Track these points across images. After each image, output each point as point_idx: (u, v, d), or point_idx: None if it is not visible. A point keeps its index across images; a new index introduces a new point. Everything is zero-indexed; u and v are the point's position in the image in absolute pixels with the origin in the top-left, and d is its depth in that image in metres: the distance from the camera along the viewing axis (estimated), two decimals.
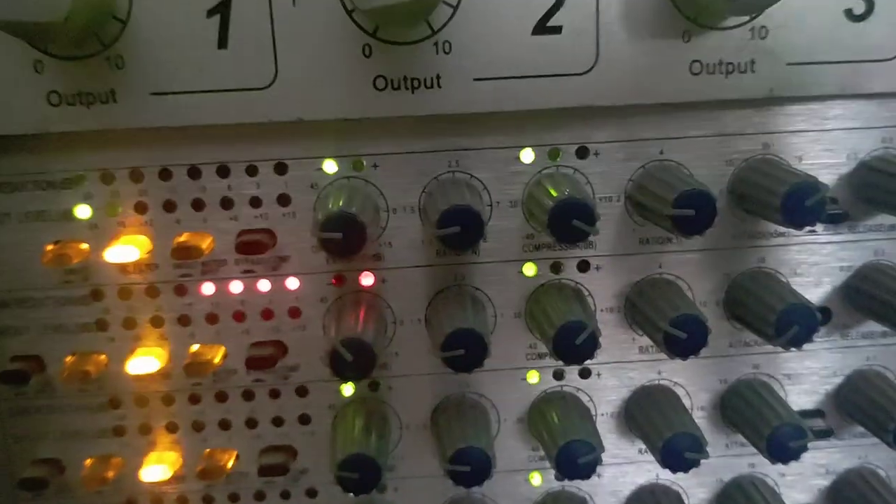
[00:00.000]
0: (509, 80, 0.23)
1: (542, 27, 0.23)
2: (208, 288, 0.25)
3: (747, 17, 0.23)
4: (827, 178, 0.25)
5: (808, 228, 0.25)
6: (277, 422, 0.26)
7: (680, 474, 0.27)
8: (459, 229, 0.22)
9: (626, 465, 0.27)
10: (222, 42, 0.22)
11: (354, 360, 0.23)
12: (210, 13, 0.22)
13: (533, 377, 0.26)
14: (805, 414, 0.27)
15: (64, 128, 0.23)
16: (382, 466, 0.24)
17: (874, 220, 0.26)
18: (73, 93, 0.22)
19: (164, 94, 0.22)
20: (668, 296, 0.24)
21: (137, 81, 0.22)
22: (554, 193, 0.23)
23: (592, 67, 0.23)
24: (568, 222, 0.22)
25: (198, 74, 0.22)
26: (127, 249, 0.24)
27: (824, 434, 0.27)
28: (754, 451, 0.25)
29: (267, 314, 0.25)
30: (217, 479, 0.26)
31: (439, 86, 0.23)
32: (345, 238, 0.22)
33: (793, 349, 0.24)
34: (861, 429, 0.27)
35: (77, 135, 0.23)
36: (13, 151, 0.24)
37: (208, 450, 0.26)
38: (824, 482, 0.28)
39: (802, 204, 0.22)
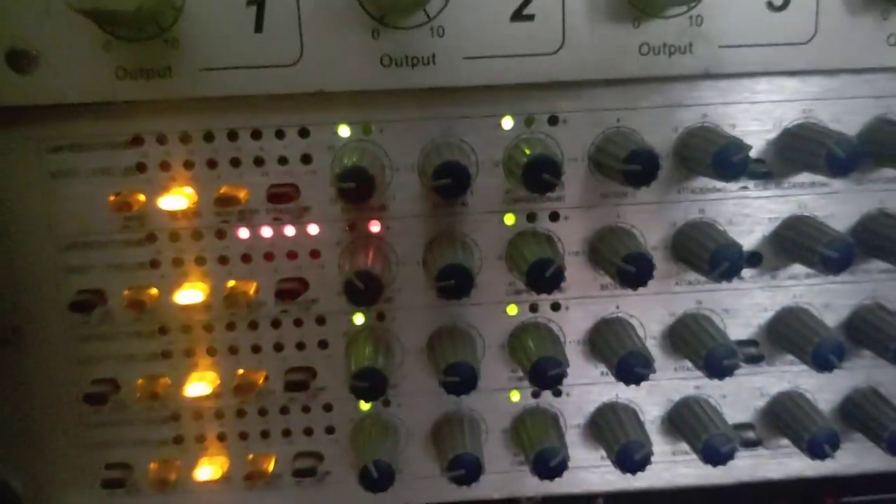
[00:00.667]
0: (492, 58, 0.28)
1: (519, 15, 0.28)
2: (243, 233, 0.30)
3: (685, 8, 0.28)
4: (756, 142, 0.30)
5: (740, 185, 0.30)
6: (300, 346, 0.31)
7: (635, 394, 0.32)
8: (451, 181, 0.27)
9: (591, 385, 0.32)
10: (258, 27, 0.27)
11: (365, 289, 0.28)
12: (249, 4, 0.27)
13: (512, 310, 0.31)
14: (741, 343, 0.32)
15: (127, 97, 0.28)
16: (388, 378, 0.29)
17: (797, 178, 0.31)
18: (136, 69, 0.27)
19: (210, 69, 0.27)
20: (623, 239, 0.29)
21: (189, 59, 0.27)
22: (528, 152, 0.28)
23: (560, 48, 0.28)
24: (539, 175, 0.27)
25: (238, 54, 0.27)
26: (177, 199, 0.29)
27: (755, 359, 0.32)
28: (699, 374, 0.30)
29: (292, 255, 0.30)
30: (249, 395, 0.31)
31: (434, 63, 0.28)
32: (357, 187, 0.27)
33: (725, 282, 0.29)
34: (791, 357, 0.32)
35: (138, 103, 0.28)
36: (84, 117, 0.29)
37: (241, 370, 0.31)
38: (760, 403, 0.33)
39: (730, 160, 0.27)
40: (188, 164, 0.29)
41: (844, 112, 0.30)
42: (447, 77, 0.28)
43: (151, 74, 0.27)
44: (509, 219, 0.30)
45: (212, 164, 0.29)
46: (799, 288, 0.32)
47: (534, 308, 0.31)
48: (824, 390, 0.33)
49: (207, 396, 0.31)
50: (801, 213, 0.31)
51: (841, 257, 0.28)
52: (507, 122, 0.30)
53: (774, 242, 0.31)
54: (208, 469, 0.32)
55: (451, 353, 0.29)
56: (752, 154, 0.30)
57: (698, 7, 0.28)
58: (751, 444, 0.33)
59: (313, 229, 0.30)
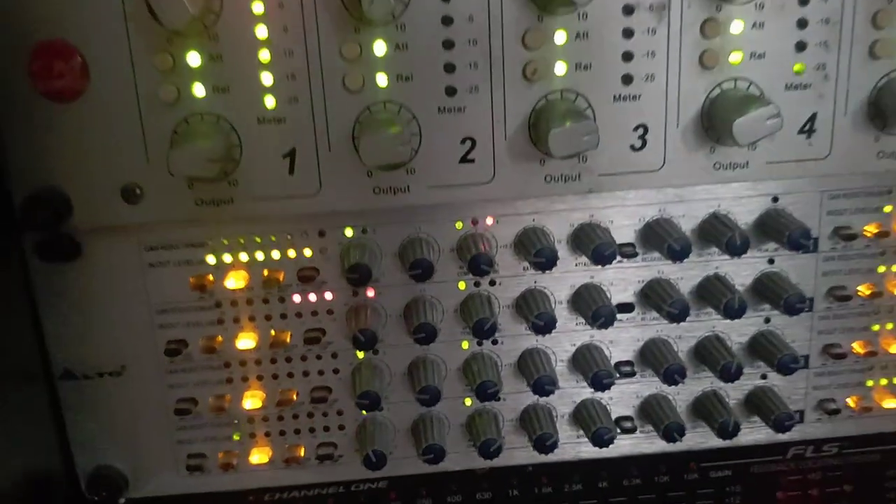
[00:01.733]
0: (448, 187, 0.41)
1: (465, 159, 0.41)
2: (282, 300, 0.44)
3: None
4: (627, 232, 0.44)
5: (617, 261, 0.45)
6: (320, 373, 0.45)
7: (549, 400, 0.47)
8: (420, 271, 0.41)
9: (520, 394, 0.47)
10: (291, 171, 0.41)
11: (364, 340, 0.42)
12: (284, 156, 0.41)
13: (465, 344, 0.46)
14: (621, 363, 0.46)
15: (203, 218, 0.41)
16: (381, 395, 0.43)
17: (655, 254, 0.45)
18: (210, 199, 0.41)
19: (259, 199, 0.41)
20: (537, 299, 0.44)
21: (245, 193, 0.41)
22: (472, 250, 0.42)
23: (492, 179, 0.42)
24: (479, 264, 0.41)
25: (278, 188, 0.41)
26: (236, 280, 0.43)
27: (631, 374, 0.46)
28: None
29: (314, 313, 0.44)
30: (286, 406, 0.45)
31: (409, 191, 0.41)
32: (359, 276, 0.41)
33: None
34: (654, 372, 0.46)
35: (210, 219, 0.42)
36: (172, 229, 0.42)
37: (280, 389, 0.45)
38: (636, 402, 0.48)
39: (603, 253, 0.41)
40: (243, 260, 0.43)
41: (688, 210, 0.44)
42: (418, 199, 0.41)
43: (220, 203, 0.41)
44: (462, 285, 0.45)
45: (258, 261, 0.43)
46: (659, 325, 0.46)
47: (480, 344, 0.46)
48: (681, 394, 0.48)
49: (257, 408, 0.45)
50: (658, 277, 0.45)
51: (679, 312, 0.43)
52: (459, 224, 0.44)
53: (641, 297, 0.45)
54: (258, 456, 0.46)
55: (423, 379, 0.44)
56: (625, 240, 0.44)
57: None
58: (630, 431, 0.48)
59: (329, 295, 0.44)
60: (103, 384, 0.44)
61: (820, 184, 0.44)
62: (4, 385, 0.41)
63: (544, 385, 0.43)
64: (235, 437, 0.46)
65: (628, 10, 0.39)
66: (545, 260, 0.42)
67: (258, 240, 0.43)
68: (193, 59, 0.39)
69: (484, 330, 0.42)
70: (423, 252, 0.42)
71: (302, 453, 0.46)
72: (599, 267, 0.44)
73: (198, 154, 0.37)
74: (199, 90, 0.39)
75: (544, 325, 0.42)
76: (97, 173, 0.40)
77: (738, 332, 0.46)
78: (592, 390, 0.45)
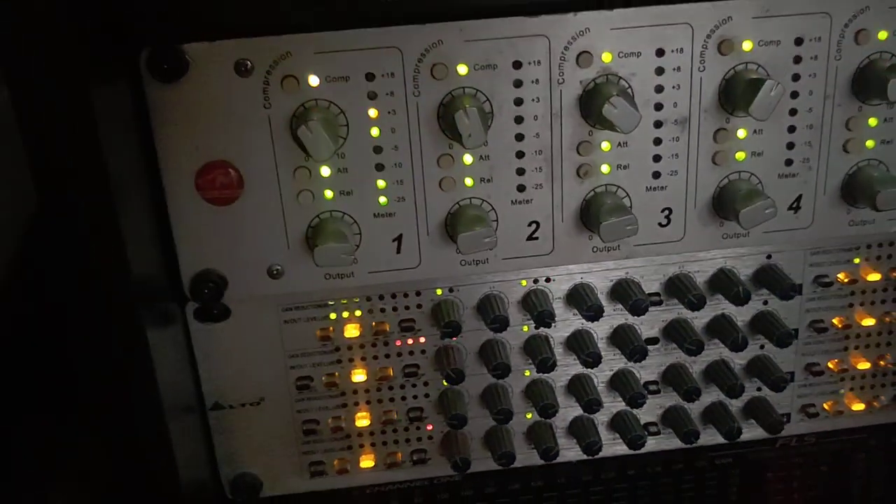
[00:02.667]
0: (518, 258, 0.53)
1: (531, 238, 0.53)
2: (387, 344, 0.56)
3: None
4: (654, 286, 0.56)
5: None
6: (415, 397, 0.57)
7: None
8: (497, 325, 0.53)
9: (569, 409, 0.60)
10: (398, 251, 0.53)
11: (454, 377, 0.54)
12: (393, 241, 0.52)
13: (527, 373, 0.58)
14: (649, 383, 0.59)
15: (325, 289, 0.53)
16: (466, 416, 0.56)
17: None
18: (335, 274, 0.53)
19: (374, 272, 0.53)
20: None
21: (363, 268, 0.52)
22: (537, 307, 0.54)
23: (551, 252, 0.54)
24: (542, 318, 0.54)
25: (387, 263, 0.53)
26: (352, 331, 0.55)
27: (656, 392, 0.59)
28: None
29: (411, 353, 0.56)
30: (389, 424, 0.58)
31: (488, 263, 0.53)
32: (451, 331, 0.53)
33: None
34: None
35: (332, 289, 0.54)
36: (304, 294, 0.54)
37: (384, 411, 0.58)
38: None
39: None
40: (358, 315, 0.55)
41: (701, 266, 0.56)
42: (494, 268, 0.53)
43: (343, 276, 0.53)
44: (525, 328, 0.57)
45: (370, 315, 0.55)
46: (679, 353, 0.59)
47: (539, 373, 0.58)
48: (695, 405, 0.60)
49: (366, 426, 0.58)
50: (678, 317, 0.58)
51: (696, 349, 0.55)
52: (524, 283, 0.56)
53: (664, 333, 0.58)
54: (366, 462, 0.59)
55: (498, 402, 0.56)
56: (652, 290, 0.56)
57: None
58: (655, 434, 0.60)
59: (422, 339, 0.56)
60: (245, 412, 0.57)
61: (804, 244, 0.57)
62: (176, 416, 0.53)
63: (592, 405, 0.56)
64: (349, 449, 0.59)
65: (658, 125, 0.51)
66: (593, 314, 0.54)
67: (370, 300, 0.55)
68: (325, 171, 0.50)
69: (546, 366, 0.55)
70: (498, 308, 0.54)
71: (399, 458, 0.59)
72: None
73: (336, 251, 0.49)
74: (329, 194, 0.51)
75: (593, 360, 0.55)
76: (248, 258, 0.51)
77: (740, 357, 0.59)
78: (626, 405, 0.58)
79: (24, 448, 0.56)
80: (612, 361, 0.58)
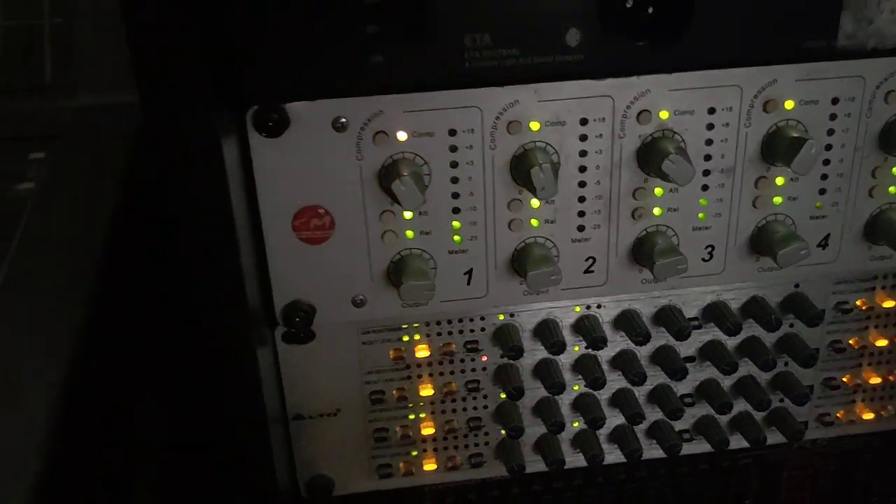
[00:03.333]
0: (575, 288, 0.59)
1: (587, 271, 0.59)
2: (452, 362, 0.62)
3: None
4: (694, 311, 0.63)
5: None
6: (475, 409, 0.63)
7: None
8: (556, 349, 0.60)
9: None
10: (468, 283, 0.58)
11: (515, 393, 0.61)
12: (464, 274, 0.58)
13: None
14: (685, 395, 0.66)
15: (405, 314, 0.59)
16: (523, 427, 0.62)
17: None
18: (412, 303, 0.58)
19: (446, 301, 0.58)
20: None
21: (436, 298, 0.58)
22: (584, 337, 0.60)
23: (605, 283, 0.60)
24: (595, 341, 0.60)
25: (458, 294, 0.58)
26: (421, 352, 0.61)
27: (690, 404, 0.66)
28: None
29: (473, 370, 0.62)
30: (452, 433, 0.64)
31: (548, 293, 0.59)
32: (516, 355, 0.59)
33: None
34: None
35: (410, 315, 0.59)
36: (380, 318, 0.60)
37: (447, 420, 0.64)
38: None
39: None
40: (428, 337, 0.61)
41: (737, 294, 0.63)
42: (553, 299, 0.59)
43: (419, 305, 0.58)
44: (577, 348, 0.63)
45: (439, 337, 0.61)
46: (713, 370, 0.65)
47: (587, 387, 0.64)
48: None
49: (430, 434, 0.64)
50: (714, 339, 0.64)
51: (731, 369, 0.62)
52: (577, 308, 0.62)
53: (700, 353, 0.64)
54: (429, 465, 0.65)
55: (552, 415, 0.63)
56: (691, 315, 0.62)
57: None
58: (688, 441, 0.67)
59: (484, 358, 0.62)
60: (322, 422, 0.63)
61: (829, 276, 0.63)
62: (271, 425, 0.59)
63: (636, 418, 0.63)
64: (413, 454, 0.65)
65: (706, 173, 0.57)
66: (642, 339, 0.60)
67: (439, 324, 0.61)
68: (408, 214, 0.55)
69: (597, 384, 0.61)
70: (556, 333, 0.60)
71: (458, 462, 0.65)
72: None
73: (420, 288, 0.54)
74: (410, 234, 0.56)
75: (639, 380, 0.61)
76: (335, 289, 0.57)
77: (767, 374, 0.66)
78: (665, 416, 0.64)
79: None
80: (653, 377, 0.64)
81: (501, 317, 0.61)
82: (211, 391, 0.53)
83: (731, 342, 0.64)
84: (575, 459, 0.66)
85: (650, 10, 0.51)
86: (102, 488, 0.60)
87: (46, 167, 0.79)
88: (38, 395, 0.58)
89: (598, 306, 0.62)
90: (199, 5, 0.45)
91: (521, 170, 0.54)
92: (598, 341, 0.60)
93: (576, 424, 0.66)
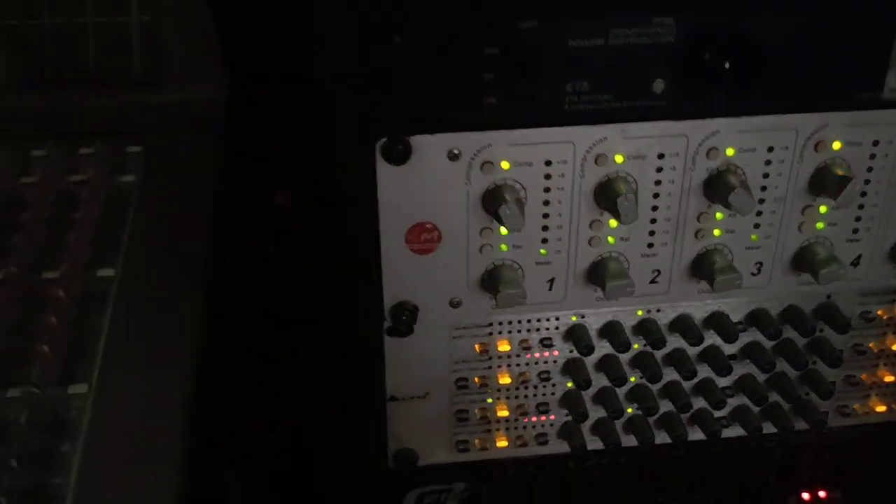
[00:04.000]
0: (640, 296, 0.68)
1: (652, 282, 0.68)
2: (528, 356, 0.71)
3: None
4: (739, 316, 0.72)
5: None
6: (543, 395, 0.73)
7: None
8: (622, 348, 0.69)
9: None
10: (549, 289, 0.67)
11: (582, 384, 0.70)
12: (547, 282, 0.67)
13: None
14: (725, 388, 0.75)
15: (493, 315, 0.67)
16: (587, 412, 0.71)
17: None
18: (502, 306, 0.67)
19: (529, 304, 0.67)
20: None
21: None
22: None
23: (667, 293, 0.68)
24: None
25: (540, 298, 0.67)
26: (503, 345, 0.70)
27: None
28: None
29: (545, 362, 0.72)
30: (522, 415, 0.73)
31: (618, 299, 0.68)
32: (587, 352, 0.68)
33: None
34: None
35: (498, 315, 0.68)
36: (472, 323, 0.68)
37: (519, 405, 0.73)
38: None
39: None
40: (509, 334, 0.70)
41: (776, 303, 0.72)
42: (621, 302, 0.68)
43: (507, 310, 0.67)
44: (636, 346, 0.72)
45: (518, 334, 0.70)
46: (750, 367, 0.75)
47: (642, 379, 0.74)
48: None
49: (504, 416, 0.73)
50: (754, 341, 0.73)
51: (770, 368, 0.71)
52: (640, 312, 0.70)
53: (741, 352, 0.74)
54: (501, 442, 0.74)
55: (613, 402, 0.72)
56: (737, 320, 0.72)
57: None
58: (725, 426, 0.77)
59: (555, 352, 0.71)
60: (413, 403, 0.71)
61: (857, 290, 0.72)
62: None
63: (685, 408, 0.72)
64: (488, 432, 0.74)
65: (761, 201, 0.66)
66: (696, 340, 0.69)
67: (520, 322, 0.70)
68: (504, 231, 0.64)
69: (655, 379, 0.70)
70: (622, 334, 0.69)
71: (526, 440, 0.75)
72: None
73: (514, 296, 0.63)
74: (504, 247, 0.65)
75: (691, 376, 0.71)
76: (437, 293, 0.66)
77: (798, 371, 0.75)
78: (709, 406, 0.74)
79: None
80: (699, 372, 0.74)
81: (574, 318, 0.70)
82: (341, 373, 0.62)
83: (767, 342, 0.73)
84: (626, 440, 0.76)
85: (726, 65, 0.59)
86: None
87: (145, 160, 0.86)
88: (176, 379, 0.67)
89: (658, 310, 0.71)
90: (361, 60, 0.53)
91: (605, 196, 0.62)
92: (658, 342, 0.69)
93: (630, 410, 0.75)
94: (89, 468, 0.61)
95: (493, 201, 0.61)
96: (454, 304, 0.66)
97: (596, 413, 0.74)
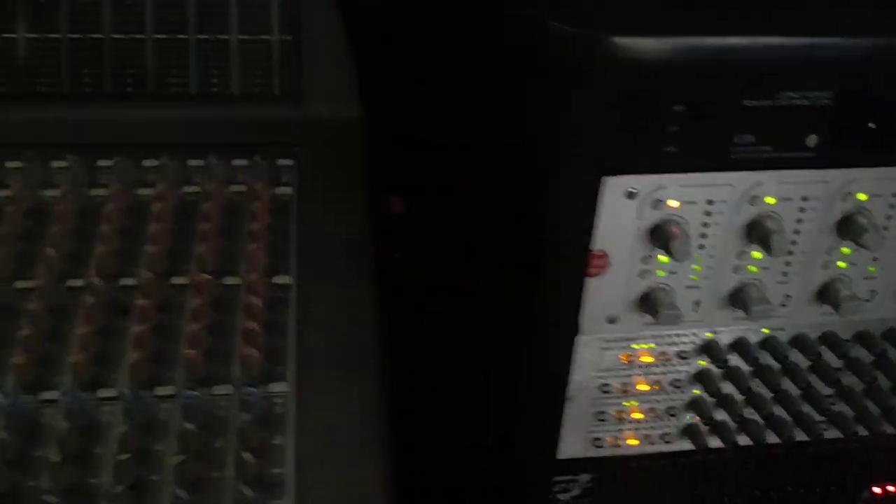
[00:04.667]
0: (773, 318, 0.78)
1: (782, 305, 0.77)
2: (664, 365, 0.80)
3: None
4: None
5: None
6: (674, 399, 0.83)
7: None
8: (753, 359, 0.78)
9: None
10: (695, 310, 0.76)
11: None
12: (694, 303, 0.76)
13: None
14: None
15: (643, 329, 0.77)
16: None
17: None
18: (653, 325, 0.76)
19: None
20: None
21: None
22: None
23: (792, 315, 0.78)
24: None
25: (686, 318, 0.76)
26: (645, 357, 0.79)
27: None
28: None
29: (679, 371, 0.81)
30: (653, 415, 0.83)
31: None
32: (717, 363, 0.78)
33: None
34: None
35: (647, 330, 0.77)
36: (620, 337, 0.78)
37: (653, 407, 0.83)
38: None
39: None
40: (652, 347, 0.79)
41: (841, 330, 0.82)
42: (753, 320, 0.78)
43: (653, 325, 0.76)
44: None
45: (659, 347, 0.79)
46: None
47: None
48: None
49: (640, 418, 0.83)
50: None
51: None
52: (764, 330, 0.80)
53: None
54: (632, 441, 0.84)
55: (732, 409, 0.81)
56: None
57: None
58: (824, 430, 0.87)
59: (690, 364, 0.81)
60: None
61: None
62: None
63: (797, 414, 0.82)
64: (621, 431, 0.84)
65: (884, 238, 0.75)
66: (815, 357, 0.79)
67: (662, 337, 0.79)
68: (664, 259, 0.73)
69: (777, 389, 0.80)
70: (751, 350, 0.79)
71: (653, 439, 0.84)
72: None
73: (674, 316, 0.73)
74: (661, 273, 0.74)
75: (805, 387, 0.80)
76: (598, 311, 0.75)
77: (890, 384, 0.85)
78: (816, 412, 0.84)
79: None
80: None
81: (708, 335, 0.79)
82: (528, 374, 0.71)
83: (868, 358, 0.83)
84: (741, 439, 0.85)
85: (871, 125, 0.69)
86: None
87: (298, 173, 0.94)
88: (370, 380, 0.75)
89: (780, 329, 0.80)
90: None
91: (757, 232, 0.72)
92: (782, 359, 0.78)
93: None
94: (304, 458, 0.69)
95: (661, 234, 0.70)
96: (611, 321, 0.75)
97: (717, 416, 0.83)
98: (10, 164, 0.89)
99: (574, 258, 0.67)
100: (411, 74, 1.03)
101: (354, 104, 1.00)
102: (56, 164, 0.91)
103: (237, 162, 0.94)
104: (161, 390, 0.72)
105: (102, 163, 0.92)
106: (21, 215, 0.83)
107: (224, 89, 1.00)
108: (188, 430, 0.69)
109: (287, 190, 0.92)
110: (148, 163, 0.92)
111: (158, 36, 0.99)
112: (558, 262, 0.67)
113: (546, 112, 0.66)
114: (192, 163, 0.93)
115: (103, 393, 0.72)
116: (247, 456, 0.67)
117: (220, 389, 0.73)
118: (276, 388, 0.74)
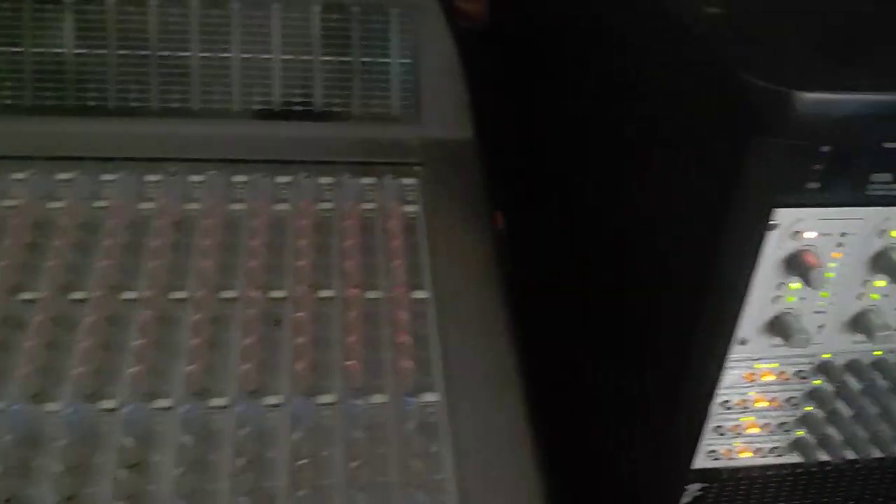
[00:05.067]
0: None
1: (819, 327, 0.82)
2: (783, 386, 0.86)
3: None
4: None
5: None
6: (786, 414, 0.88)
7: None
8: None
9: None
10: (817, 332, 0.81)
11: None
12: (818, 327, 0.81)
13: None
14: None
15: (765, 352, 0.82)
16: None
17: None
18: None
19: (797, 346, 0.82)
20: None
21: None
22: None
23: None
24: None
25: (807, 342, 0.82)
26: (767, 375, 0.85)
27: None
28: None
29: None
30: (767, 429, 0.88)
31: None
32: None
33: None
34: None
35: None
36: (745, 357, 0.83)
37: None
38: None
39: None
40: (773, 367, 0.84)
41: None
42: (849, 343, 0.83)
43: (778, 347, 0.81)
44: None
45: (780, 367, 0.84)
46: None
47: None
48: None
49: (756, 432, 0.88)
50: None
51: None
52: (827, 355, 0.85)
53: None
54: (746, 454, 0.89)
55: (842, 426, 0.87)
56: None
57: None
58: None
59: (805, 382, 0.86)
60: None
61: None
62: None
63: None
64: (736, 444, 0.89)
65: None
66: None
67: (784, 357, 0.84)
68: (795, 286, 0.78)
69: (888, 409, 0.85)
70: (866, 372, 0.84)
71: (764, 452, 0.90)
72: None
73: (804, 339, 0.78)
74: (791, 299, 0.79)
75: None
76: (736, 335, 0.80)
77: None
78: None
79: None
80: None
81: (826, 356, 0.85)
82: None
83: None
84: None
85: None
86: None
87: (423, 191, 0.99)
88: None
89: (892, 351, 0.85)
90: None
91: (884, 263, 0.77)
92: (893, 380, 0.84)
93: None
94: (462, 465, 0.74)
95: (796, 263, 0.75)
96: (742, 342, 0.80)
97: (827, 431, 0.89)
98: (149, 178, 0.94)
99: (739, 281, 0.72)
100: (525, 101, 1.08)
101: (468, 125, 1.05)
102: (194, 178, 0.96)
103: (365, 180, 0.98)
104: (322, 398, 0.77)
105: (237, 178, 0.96)
106: (168, 226, 0.88)
107: (345, 109, 1.05)
108: (356, 437, 0.74)
109: (414, 208, 0.96)
110: (281, 179, 0.97)
111: (285, 57, 1.04)
112: (723, 286, 0.72)
113: (725, 153, 0.71)
114: (323, 180, 0.98)
115: (269, 400, 0.76)
116: (414, 462, 0.72)
117: (377, 399, 0.78)
118: (429, 397, 0.78)
